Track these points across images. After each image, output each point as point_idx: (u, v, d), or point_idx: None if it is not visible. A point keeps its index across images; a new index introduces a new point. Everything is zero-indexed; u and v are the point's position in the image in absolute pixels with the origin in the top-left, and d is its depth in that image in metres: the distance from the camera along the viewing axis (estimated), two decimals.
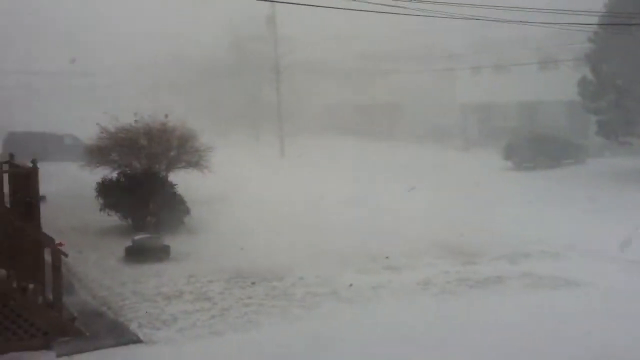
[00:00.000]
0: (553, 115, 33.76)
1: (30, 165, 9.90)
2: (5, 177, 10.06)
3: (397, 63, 40.35)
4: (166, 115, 18.55)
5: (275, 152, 37.72)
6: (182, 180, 18.21)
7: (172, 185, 17.40)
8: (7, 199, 10.02)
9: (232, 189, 21.36)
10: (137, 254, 13.58)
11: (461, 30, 29.13)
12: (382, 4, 15.02)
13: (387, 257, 13.64)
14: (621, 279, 11.91)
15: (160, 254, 13.66)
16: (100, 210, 16.63)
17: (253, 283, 11.85)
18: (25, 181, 9.93)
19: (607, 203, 19.26)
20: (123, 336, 9.25)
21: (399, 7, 15.55)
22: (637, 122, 23.66)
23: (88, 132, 19.75)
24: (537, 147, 28.31)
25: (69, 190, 21.86)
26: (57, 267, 9.05)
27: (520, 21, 18.21)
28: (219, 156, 19.53)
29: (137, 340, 9.09)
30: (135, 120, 18.35)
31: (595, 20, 22.55)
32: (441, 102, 40.09)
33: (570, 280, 11.72)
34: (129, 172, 17.60)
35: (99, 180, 17.33)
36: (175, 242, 14.66)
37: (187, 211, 17.03)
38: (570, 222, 16.91)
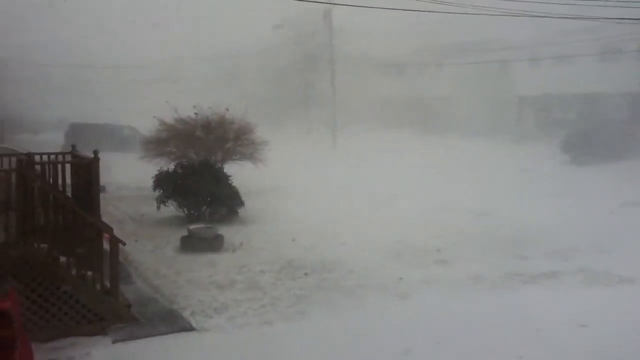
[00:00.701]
0: (614, 107, 32.86)
1: (92, 156, 10.27)
2: (68, 167, 10.45)
3: (454, 56, 39.94)
4: (226, 109, 18.89)
5: (328, 145, 37.85)
6: (237, 172, 18.50)
7: (227, 177, 17.67)
8: (69, 188, 10.42)
9: (285, 181, 21.59)
10: (191, 244, 13.88)
11: (520, 21, 28.62)
12: (441, 3, 14.97)
13: (438, 251, 13.64)
14: None
15: (214, 243, 13.93)
16: (157, 201, 16.98)
17: (306, 274, 12.00)
18: (86, 171, 10.31)
19: None
20: (176, 323, 9.49)
21: (455, 5, 15.43)
22: None
23: (147, 124, 20.26)
24: (594, 141, 27.65)
25: (128, 180, 22.44)
26: (114, 255, 9.36)
27: (577, 16, 17.81)
28: (274, 149, 19.77)
29: (190, 328, 9.32)
30: (195, 113, 18.75)
31: None
32: (499, 95, 39.49)
33: None
34: (185, 163, 17.97)
35: (156, 171, 17.70)
36: (229, 233, 14.92)
37: (241, 202, 17.28)
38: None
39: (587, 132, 28.99)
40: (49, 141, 30.40)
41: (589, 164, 26.53)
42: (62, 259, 9.14)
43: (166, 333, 9.15)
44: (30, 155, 10.52)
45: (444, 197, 19.52)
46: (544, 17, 18.36)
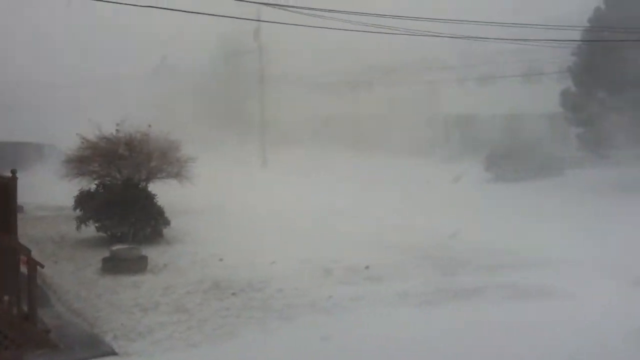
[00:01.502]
0: (535, 127, 33.93)
1: (10, 175, 9.79)
2: None
3: (384, 76, 40.48)
4: (149, 125, 18.46)
5: (259, 164, 37.64)
6: (163, 190, 18.07)
7: (151, 196, 17.25)
8: None
9: (214, 200, 21.25)
10: (114, 265, 13.42)
11: (448, 43, 29.29)
12: (372, 24, 15.06)
13: (368, 268, 13.61)
14: None
15: (138, 264, 13.52)
16: (77, 221, 16.42)
17: (233, 294, 11.76)
18: (3, 191, 9.81)
19: (582, 213, 19.27)
20: (97, 348, 9.12)
21: (385, 26, 15.55)
22: (617, 134, 23.84)
23: (70, 142, 19.59)
24: (517, 159, 28.50)
25: (48, 200, 21.66)
26: (32, 278, 8.93)
27: (504, 38, 18.27)
28: (201, 167, 19.43)
29: (112, 353, 8.97)
30: (117, 130, 18.24)
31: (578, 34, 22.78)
32: (426, 114, 40.23)
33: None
34: (108, 182, 17.45)
35: (77, 190, 17.13)
36: (153, 253, 14.53)
37: (166, 222, 16.90)
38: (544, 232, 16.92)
39: (510, 150, 29.79)
40: None
41: (512, 181, 27.25)
42: None
43: (87, 359, 8.78)
44: None
45: (375, 215, 19.60)
46: (468, 38, 18.78)
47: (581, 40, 23.27)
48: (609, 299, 10.97)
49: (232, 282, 12.57)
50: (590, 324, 9.71)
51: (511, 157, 28.82)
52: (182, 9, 11.85)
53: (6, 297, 8.83)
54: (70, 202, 16.95)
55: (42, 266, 9.24)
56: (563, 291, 11.63)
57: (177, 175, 18.77)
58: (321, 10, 14.35)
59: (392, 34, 16.35)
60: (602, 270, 12.96)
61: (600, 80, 24.33)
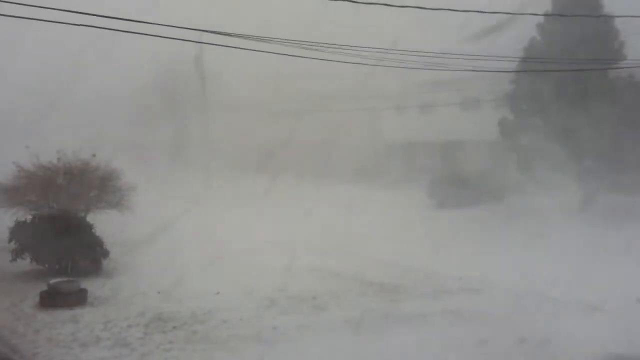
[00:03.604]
0: (476, 154, 34.58)
1: None
2: None
3: (326, 103, 40.72)
4: (94, 155, 18.08)
5: (201, 191, 37.17)
6: (102, 221, 17.67)
7: (89, 226, 16.84)
8: None
9: (154, 229, 20.83)
10: (52, 299, 12.99)
11: (388, 71, 29.69)
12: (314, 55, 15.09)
13: (314, 298, 13.52)
14: None
15: (76, 298, 13.12)
16: (12, 254, 15.88)
17: (175, 327, 11.49)
18: None
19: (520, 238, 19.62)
20: None
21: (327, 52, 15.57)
22: (553, 161, 24.50)
23: (6, 171, 19.00)
24: (459, 186, 28.96)
25: None
26: None
27: (442, 68, 18.52)
28: (142, 196, 19.10)
29: None
30: (58, 159, 17.81)
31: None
32: (368, 141, 40.61)
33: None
34: (45, 213, 16.95)
35: (13, 222, 16.60)
36: (93, 286, 14.13)
37: (105, 253, 16.50)
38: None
39: (453, 177, 30.24)
40: None
41: (455, 207, 27.63)
42: None
43: None
44: None
45: (319, 243, 19.54)
46: (405, 68, 18.96)
47: (515, 71, 23.83)
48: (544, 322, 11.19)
49: (174, 314, 12.30)
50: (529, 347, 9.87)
51: (454, 184, 29.24)
52: (121, 29, 11.56)
53: None
54: (6, 234, 16.37)
55: None
56: (501, 315, 11.79)
57: (117, 204, 18.41)
58: (261, 37, 14.34)
59: (332, 61, 16.41)
60: (533, 293, 13.23)
61: (535, 107, 25.02)
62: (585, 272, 14.30)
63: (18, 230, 16.26)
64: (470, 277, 15.01)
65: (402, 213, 25.33)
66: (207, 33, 13.42)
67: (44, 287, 13.33)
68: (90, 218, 17.41)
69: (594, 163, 24.04)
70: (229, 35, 13.51)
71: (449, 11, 12.39)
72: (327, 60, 15.39)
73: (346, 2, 12.46)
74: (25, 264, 16.09)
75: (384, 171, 38.96)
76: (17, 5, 10.67)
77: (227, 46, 13.97)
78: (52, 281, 13.43)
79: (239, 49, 14.37)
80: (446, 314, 12.17)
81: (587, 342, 10.08)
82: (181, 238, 20.22)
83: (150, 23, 12.08)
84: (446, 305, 12.73)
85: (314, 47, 14.73)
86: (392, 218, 24.22)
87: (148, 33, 12.20)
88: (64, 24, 11.00)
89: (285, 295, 13.75)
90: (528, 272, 14.82)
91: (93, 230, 16.78)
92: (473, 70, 19.68)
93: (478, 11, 11.44)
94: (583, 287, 13.20)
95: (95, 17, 11.06)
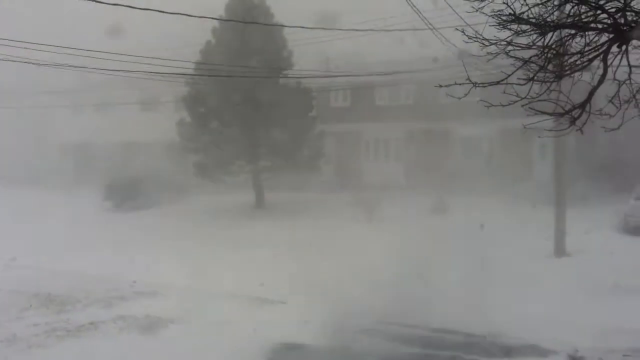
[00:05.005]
0: (154, 155, 34.13)
1: None
2: None
3: None
4: None
5: None
6: None
7: None
8: None
9: None
10: None
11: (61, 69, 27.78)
12: None
13: None
14: None
15: None
16: None
17: None
18: None
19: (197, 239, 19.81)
20: None
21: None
22: (230, 162, 25.23)
23: None
24: (136, 188, 28.34)
25: None
26: None
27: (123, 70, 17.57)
28: None
29: None
30: None
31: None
32: (40, 142, 37.96)
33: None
34: None
35: None
36: None
37: None
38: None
39: (130, 179, 29.37)
40: None
41: (132, 210, 26.98)
42: None
43: None
44: None
45: None
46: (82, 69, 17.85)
47: (190, 75, 23.89)
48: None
49: None
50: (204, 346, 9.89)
51: (131, 186, 28.49)
52: None
53: None
54: None
55: None
56: (177, 317, 11.69)
57: None
58: None
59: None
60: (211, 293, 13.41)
61: (213, 111, 25.48)
62: None
63: None
64: (144, 281, 14.64)
65: (75, 218, 23.89)
66: None
67: None
68: None
69: (271, 163, 25.42)
70: None
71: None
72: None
73: None
74: None
75: (57, 173, 36.52)
76: None
77: None
78: None
79: None
80: (119, 320, 11.66)
81: None
82: None
83: None
84: (120, 312, 12.21)
85: None
86: (65, 223, 22.76)
87: None
88: None
89: None
90: (200, 272, 14.96)
91: None
92: (155, 74, 18.99)
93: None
94: None
95: None
